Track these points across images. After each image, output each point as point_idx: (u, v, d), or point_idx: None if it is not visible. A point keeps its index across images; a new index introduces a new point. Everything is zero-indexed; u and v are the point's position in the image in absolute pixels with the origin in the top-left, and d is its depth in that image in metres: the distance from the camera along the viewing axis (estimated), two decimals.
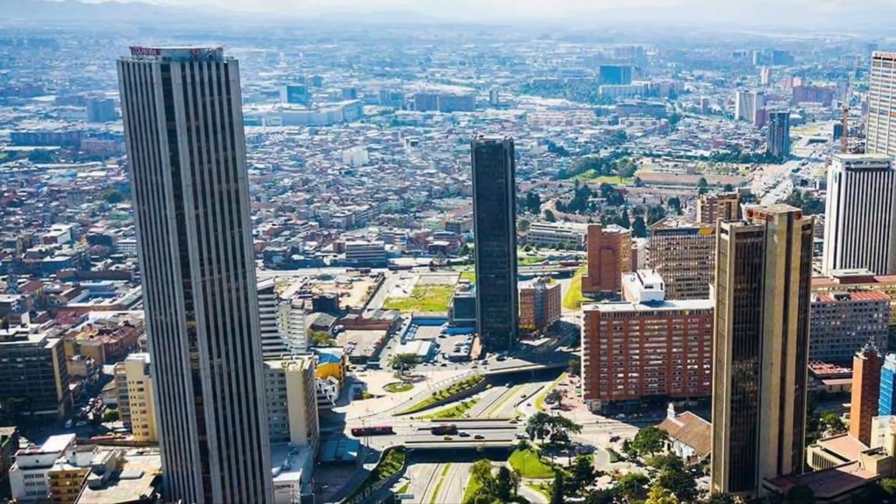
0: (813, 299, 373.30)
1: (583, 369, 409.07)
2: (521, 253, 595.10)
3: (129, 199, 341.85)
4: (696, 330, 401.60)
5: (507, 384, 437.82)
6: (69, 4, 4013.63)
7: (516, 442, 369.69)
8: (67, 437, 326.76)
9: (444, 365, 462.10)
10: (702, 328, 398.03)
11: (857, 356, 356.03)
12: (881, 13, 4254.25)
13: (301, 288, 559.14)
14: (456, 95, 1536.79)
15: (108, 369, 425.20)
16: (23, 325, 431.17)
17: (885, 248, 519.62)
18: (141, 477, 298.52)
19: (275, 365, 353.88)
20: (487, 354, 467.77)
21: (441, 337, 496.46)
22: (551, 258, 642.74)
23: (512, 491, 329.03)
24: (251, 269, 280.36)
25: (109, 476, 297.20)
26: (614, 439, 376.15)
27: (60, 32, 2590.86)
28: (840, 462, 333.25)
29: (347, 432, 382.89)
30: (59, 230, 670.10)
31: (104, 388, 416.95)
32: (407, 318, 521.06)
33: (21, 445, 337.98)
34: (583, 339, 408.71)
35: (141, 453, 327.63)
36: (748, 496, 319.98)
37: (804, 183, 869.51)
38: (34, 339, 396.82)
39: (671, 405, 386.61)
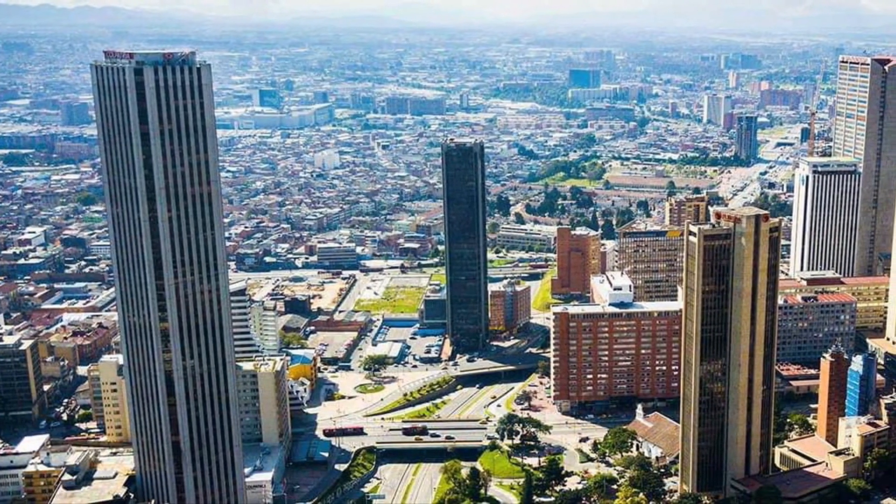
0: (780, 301, 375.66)
1: (552, 370, 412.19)
2: (491, 255, 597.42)
3: (102, 201, 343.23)
4: (665, 331, 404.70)
5: (477, 385, 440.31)
6: (43, 9, 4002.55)
7: (486, 442, 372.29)
8: (41, 438, 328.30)
9: (414, 366, 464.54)
10: (670, 330, 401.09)
11: (823, 357, 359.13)
12: (847, 17, 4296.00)
13: (273, 290, 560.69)
14: (426, 99, 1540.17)
15: (81, 370, 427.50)
16: None
17: (852, 251, 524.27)
18: (114, 477, 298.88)
19: (247, 366, 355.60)
20: (458, 356, 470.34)
21: (412, 338, 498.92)
22: (521, 260, 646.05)
23: (482, 491, 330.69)
24: (223, 271, 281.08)
25: (83, 476, 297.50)
26: (583, 440, 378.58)
27: (34, 37, 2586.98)
28: (807, 462, 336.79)
29: (319, 433, 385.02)
30: (34, 232, 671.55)
31: (78, 388, 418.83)
32: (378, 319, 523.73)
33: None
34: (552, 341, 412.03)
35: (114, 454, 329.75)
36: (716, 496, 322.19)
37: (772, 186, 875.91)
38: (9, 340, 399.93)
39: (640, 406, 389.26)
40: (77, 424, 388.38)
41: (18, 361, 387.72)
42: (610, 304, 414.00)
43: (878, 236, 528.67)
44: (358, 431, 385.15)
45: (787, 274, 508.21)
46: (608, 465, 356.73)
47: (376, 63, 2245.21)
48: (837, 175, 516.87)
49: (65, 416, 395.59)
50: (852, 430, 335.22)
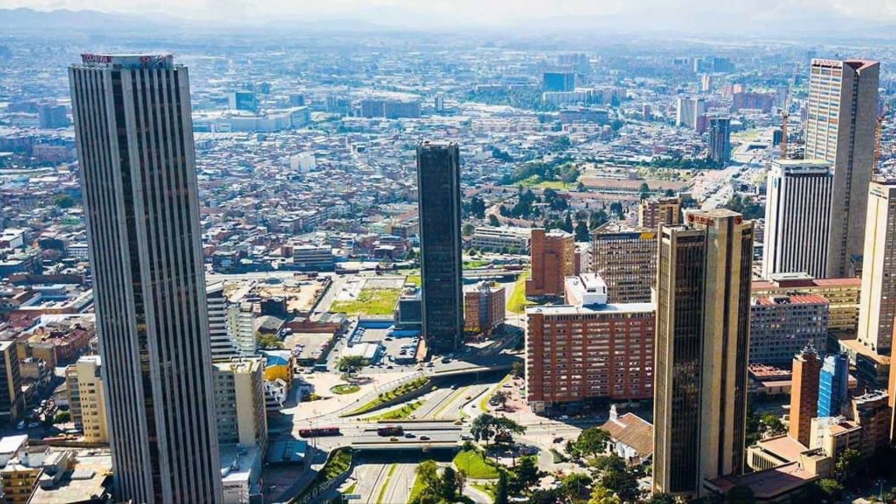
0: (753, 303, 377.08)
1: (527, 371, 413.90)
2: (465, 257, 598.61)
3: (80, 203, 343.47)
4: (638, 333, 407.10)
5: (452, 386, 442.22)
6: (21, 13, 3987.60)
7: (461, 443, 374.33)
8: (20, 438, 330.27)
9: (390, 367, 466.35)
10: (643, 331, 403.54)
11: (796, 358, 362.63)
12: (819, 21, 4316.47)
13: (249, 291, 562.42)
14: (402, 102, 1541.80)
15: (59, 371, 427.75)
16: None
17: (824, 252, 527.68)
18: (92, 477, 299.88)
19: (224, 367, 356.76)
20: (433, 357, 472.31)
21: (387, 339, 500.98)
22: (495, 262, 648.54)
23: (457, 491, 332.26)
24: (200, 273, 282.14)
25: (61, 476, 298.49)
26: (558, 440, 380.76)
27: (12, 40, 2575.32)
28: (780, 463, 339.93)
29: (295, 433, 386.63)
30: (12, 234, 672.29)
31: (56, 389, 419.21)
32: (354, 321, 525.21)
33: None
34: (527, 342, 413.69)
35: (92, 454, 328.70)
36: (689, 496, 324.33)
37: (744, 188, 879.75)
38: None
39: (613, 407, 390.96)
40: (55, 425, 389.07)
41: None
42: (584, 306, 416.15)
43: (849, 238, 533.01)
44: (334, 432, 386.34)
45: (759, 276, 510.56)
46: (582, 465, 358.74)
47: (352, 66, 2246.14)
48: (809, 177, 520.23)
49: (43, 417, 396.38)
50: (824, 431, 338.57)
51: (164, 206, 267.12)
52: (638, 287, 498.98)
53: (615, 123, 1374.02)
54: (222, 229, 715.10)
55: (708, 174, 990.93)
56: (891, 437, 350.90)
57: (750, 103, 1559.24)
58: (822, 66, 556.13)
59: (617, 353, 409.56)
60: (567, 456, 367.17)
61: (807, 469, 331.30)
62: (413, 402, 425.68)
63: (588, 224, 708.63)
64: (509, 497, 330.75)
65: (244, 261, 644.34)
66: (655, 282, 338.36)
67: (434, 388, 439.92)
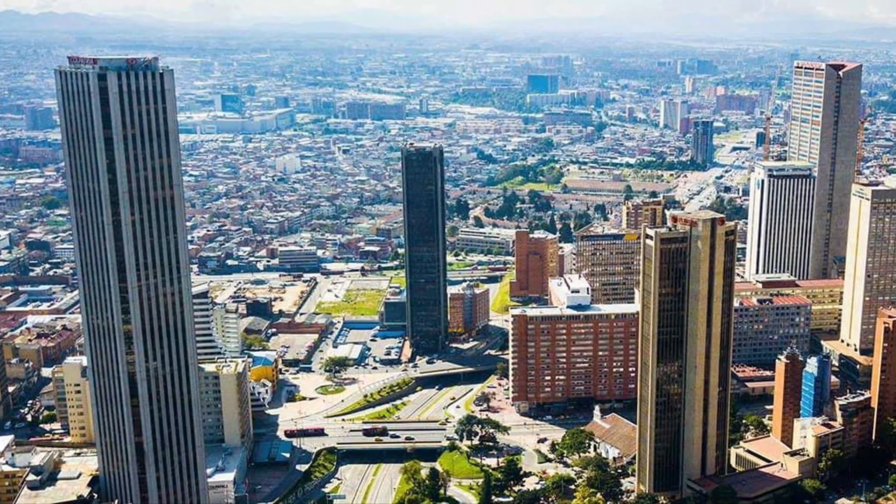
0: (736, 303, 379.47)
1: (511, 372, 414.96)
2: (450, 258, 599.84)
3: (66, 205, 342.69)
4: (622, 333, 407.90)
5: (436, 387, 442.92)
6: (7, 15, 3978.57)
7: (446, 443, 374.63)
8: (6, 439, 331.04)
9: (374, 368, 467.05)
10: (627, 332, 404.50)
11: (779, 359, 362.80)
12: (802, 23, 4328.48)
13: (235, 292, 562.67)
14: (386, 104, 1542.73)
15: (46, 372, 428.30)
16: None
17: (807, 254, 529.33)
18: (78, 477, 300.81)
19: (209, 368, 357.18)
20: (417, 357, 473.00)
21: (372, 340, 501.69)
22: (480, 263, 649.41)
23: (441, 491, 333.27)
24: (186, 274, 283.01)
25: (47, 476, 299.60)
26: (542, 440, 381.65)
27: None
28: (762, 463, 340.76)
29: (280, 434, 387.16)
30: None
31: (42, 390, 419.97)
32: (339, 321, 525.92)
33: None
34: (511, 343, 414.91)
35: (78, 454, 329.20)
36: (672, 496, 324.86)
37: (727, 189, 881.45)
38: None
39: (597, 407, 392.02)
40: (41, 425, 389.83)
41: None
42: (568, 307, 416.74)
43: (832, 239, 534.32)
44: (319, 432, 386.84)
45: (742, 277, 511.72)
46: (566, 465, 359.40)
47: (337, 68, 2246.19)
48: (792, 179, 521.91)
49: (29, 418, 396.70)
50: (807, 431, 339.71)
51: (150, 208, 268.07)
52: (621, 288, 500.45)
53: (599, 125, 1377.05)
54: (208, 230, 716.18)
55: (691, 176, 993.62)
56: (873, 437, 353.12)
57: (733, 105, 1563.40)
58: (805, 68, 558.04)
59: (601, 353, 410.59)
60: (551, 456, 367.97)
61: (789, 469, 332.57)
62: (398, 402, 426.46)
63: (572, 225, 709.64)
64: (493, 497, 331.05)
65: (230, 262, 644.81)
66: (639, 283, 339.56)
67: (419, 388, 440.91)
